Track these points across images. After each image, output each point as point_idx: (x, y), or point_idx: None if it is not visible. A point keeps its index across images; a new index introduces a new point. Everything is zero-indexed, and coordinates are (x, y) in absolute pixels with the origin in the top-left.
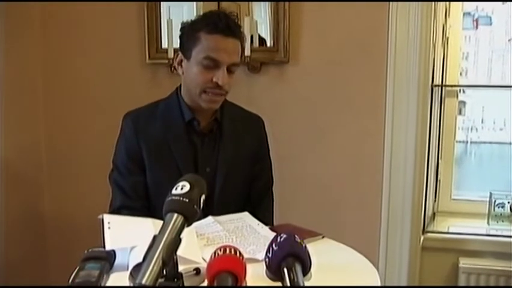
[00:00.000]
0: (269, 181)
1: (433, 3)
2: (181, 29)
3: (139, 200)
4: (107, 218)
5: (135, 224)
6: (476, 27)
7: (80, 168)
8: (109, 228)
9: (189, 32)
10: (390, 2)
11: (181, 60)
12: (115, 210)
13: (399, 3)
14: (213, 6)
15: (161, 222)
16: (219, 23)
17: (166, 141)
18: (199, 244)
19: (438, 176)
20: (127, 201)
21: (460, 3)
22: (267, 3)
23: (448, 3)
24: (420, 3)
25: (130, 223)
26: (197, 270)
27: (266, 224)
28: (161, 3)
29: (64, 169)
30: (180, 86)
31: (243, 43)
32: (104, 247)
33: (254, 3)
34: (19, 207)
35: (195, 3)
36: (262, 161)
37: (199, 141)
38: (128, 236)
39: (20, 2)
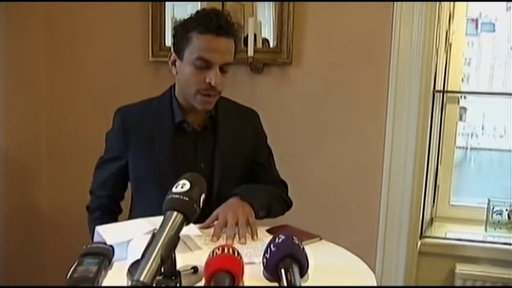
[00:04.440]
0: (275, 170)
1: (437, 8)
2: (174, 29)
3: (105, 191)
4: (101, 228)
5: (129, 224)
6: (476, 28)
7: (80, 164)
8: (104, 232)
9: (181, 32)
10: (394, 6)
11: (175, 60)
12: (90, 193)
13: (404, 7)
14: (217, 5)
15: (154, 219)
16: (209, 22)
17: (151, 140)
18: (197, 243)
19: (437, 181)
20: (96, 188)
21: (464, 9)
22: (271, 4)
23: (452, 8)
24: (424, 8)
25: (125, 224)
26: (195, 269)
27: (285, 202)
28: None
29: (64, 165)
30: (174, 85)
31: (237, 40)
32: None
33: (258, 3)
34: (18, 202)
35: (199, 2)
36: (262, 150)
37: (191, 139)
38: (126, 231)
39: (24, 2)
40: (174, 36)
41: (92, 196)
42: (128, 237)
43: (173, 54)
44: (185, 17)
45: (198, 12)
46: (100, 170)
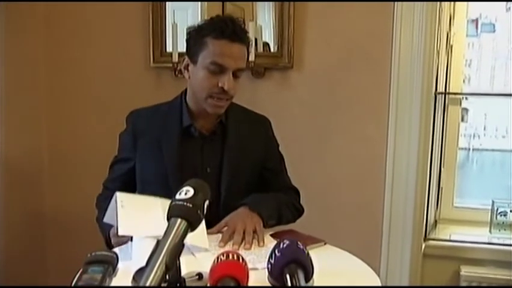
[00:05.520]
0: (287, 177)
1: (437, 9)
2: (188, 33)
3: (116, 188)
4: (120, 196)
5: (146, 205)
6: (476, 28)
7: (81, 169)
8: (122, 206)
9: (196, 36)
10: (395, 9)
11: (188, 65)
12: (103, 185)
13: (404, 9)
14: (217, 10)
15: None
16: (225, 28)
17: (158, 143)
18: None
19: (441, 183)
20: (108, 184)
21: (464, 9)
22: (271, 8)
23: (452, 9)
24: (424, 10)
25: (141, 204)
26: (200, 275)
27: (296, 210)
28: (167, 7)
29: (65, 169)
30: (186, 90)
31: (249, 48)
32: (116, 228)
33: (259, 8)
34: (20, 206)
35: (199, 8)
36: (273, 156)
37: (198, 144)
38: (139, 220)
39: (25, 3)
40: (188, 40)
41: (103, 188)
42: (140, 231)
43: (186, 59)
44: (199, 23)
45: (212, 18)
46: (113, 168)
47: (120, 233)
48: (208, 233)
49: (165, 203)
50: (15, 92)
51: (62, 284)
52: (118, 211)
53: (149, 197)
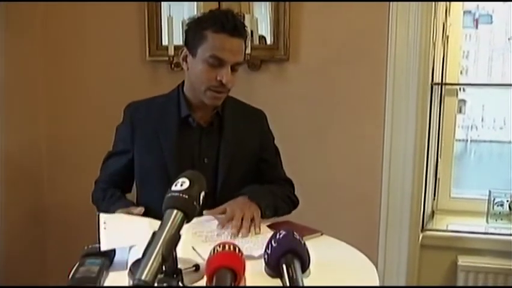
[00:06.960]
0: (282, 169)
1: (433, 1)
2: (187, 25)
3: (113, 182)
4: (103, 217)
5: (131, 223)
6: (477, 27)
7: (80, 164)
8: (104, 228)
9: (196, 29)
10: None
11: (186, 56)
12: (95, 183)
13: (399, 1)
14: (213, 2)
15: (158, 222)
16: (226, 23)
17: (157, 134)
18: (196, 241)
19: (438, 174)
20: (103, 179)
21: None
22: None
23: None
24: (420, 1)
25: (126, 223)
26: (196, 267)
27: (292, 201)
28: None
29: (64, 165)
30: (183, 82)
31: (246, 42)
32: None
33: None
34: (20, 203)
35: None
36: (269, 149)
37: (196, 134)
38: (124, 236)
39: (24, 3)
40: (187, 32)
41: (98, 185)
42: (126, 243)
43: (185, 50)
44: (198, 15)
45: (211, 11)
46: (107, 163)
47: (103, 248)
48: (205, 213)
49: (154, 222)
50: (14, 88)
51: (62, 284)
52: (101, 233)
53: (136, 217)
